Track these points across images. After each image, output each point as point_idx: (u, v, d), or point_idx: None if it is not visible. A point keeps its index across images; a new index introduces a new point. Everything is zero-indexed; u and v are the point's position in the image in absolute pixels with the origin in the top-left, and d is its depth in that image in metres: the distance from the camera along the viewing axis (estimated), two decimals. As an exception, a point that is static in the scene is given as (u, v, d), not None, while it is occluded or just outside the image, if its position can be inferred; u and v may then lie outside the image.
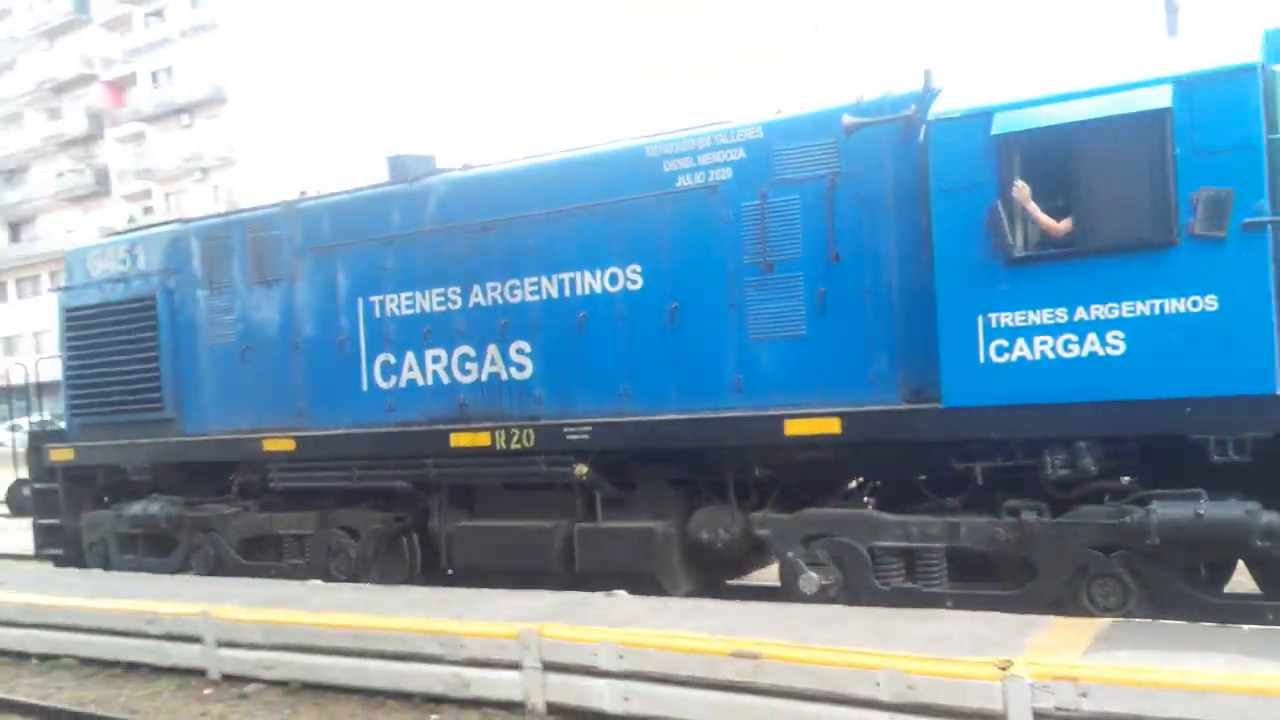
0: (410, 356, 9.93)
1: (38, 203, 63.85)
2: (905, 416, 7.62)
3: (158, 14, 58.92)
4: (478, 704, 7.33)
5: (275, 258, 10.81)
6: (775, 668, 6.22)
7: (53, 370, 13.07)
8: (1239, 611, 6.74)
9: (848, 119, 7.72)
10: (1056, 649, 5.92)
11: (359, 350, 10.25)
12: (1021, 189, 6.97)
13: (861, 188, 7.89)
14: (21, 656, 9.91)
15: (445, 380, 9.75)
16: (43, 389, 14.62)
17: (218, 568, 11.29)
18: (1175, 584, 6.90)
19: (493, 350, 9.49)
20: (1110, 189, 6.81)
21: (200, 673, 8.74)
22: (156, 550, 11.91)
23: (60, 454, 12.44)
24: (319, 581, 9.97)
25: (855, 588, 7.81)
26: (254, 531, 11.18)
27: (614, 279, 8.92)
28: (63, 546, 12.65)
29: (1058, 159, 6.96)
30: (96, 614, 9.50)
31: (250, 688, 8.34)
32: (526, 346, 9.33)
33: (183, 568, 11.67)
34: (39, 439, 13.13)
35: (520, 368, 9.38)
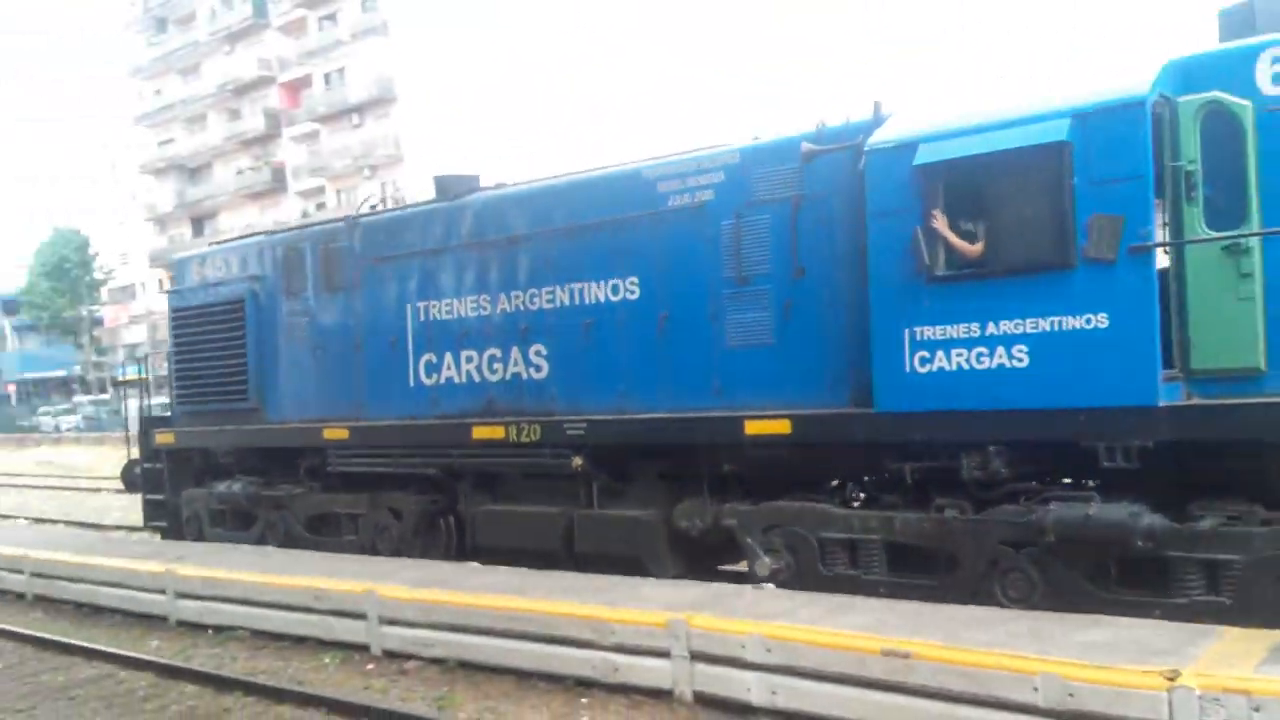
0: (449, 356, 11.02)
1: (219, 199, 67.54)
2: (844, 420, 8.35)
3: (331, 17, 61.49)
4: (626, 690, 7.44)
5: (340, 267, 12.04)
6: (927, 668, 6.11)
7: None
8: (1131, 607, 7.04)
9: (806, 146, 8.51)
10: (1228, 660, 5.64)
11: (407, 350, 11.37)
12: (939, 217, 7.59)
13: (821, 209, 8.54)
14: (198, 627, 10.51)
15: (477, 378, 10.79)
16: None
17: (288, 541, 12.57)
18: (1074, 579, 7.39)
19: (515, 352, 10.49)
20: (1016, 215, 7.41)
21: (363, 648, 9.09)
22: (241, 524, 13.31)
23: (164, 438, 14.04)
24: (476, 564, 10.26)
25: (804, 573, 8.59)
26: (317, 510, 12.45)
27: (615, 289, 9.79)
28: (166, 519, 14.24)
29: (971, 186, 7.58)
30: (269, 589, 9.99)
31: (410, 664, 8.65)
32: (543, 349, 10.29)
33: (260, 540, 12.91)
34: (149, 424, 14.60)
35: (538, 368, 10.34)
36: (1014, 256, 7.42)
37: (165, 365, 14.85)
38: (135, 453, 14.80)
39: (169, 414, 14.51)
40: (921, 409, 7.79)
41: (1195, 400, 7.08)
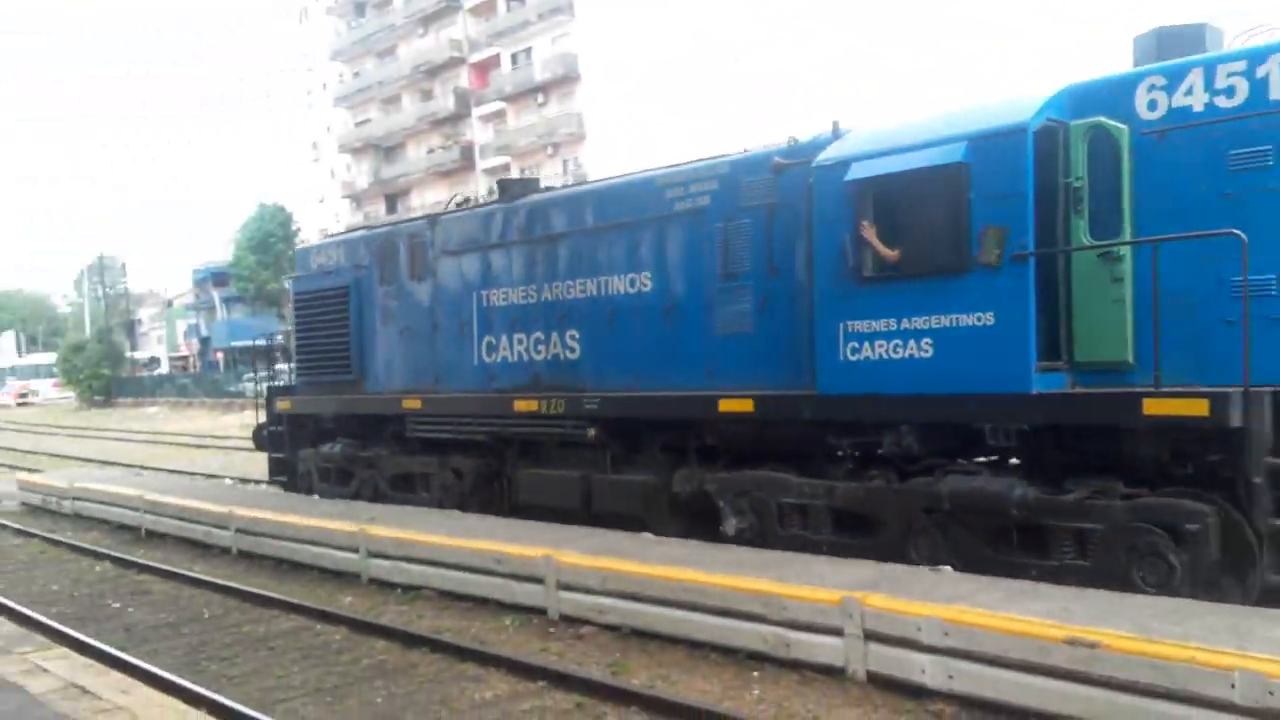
0: (504, 338, 12.60)
1: (411, 177, 70.15)
2: (792, 400, 9.57)
3: (519, -3, 62.82)
4: (797, 665, 7.41)
5: (423, 259, 13.72)
6: (1114, 659, 5.85)
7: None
8: (1013, 568, 8.10)
9: (777, 160, 9.78)
10: None
11: (472, 332, 12.99)
12: (867, 226, 8.72)
13: (791, 216, 9.65)
14: (388, 586, 11.00)
15: (526, 358, 12.35)
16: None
17: (376, 496, 14.40)
18: (972, 542, 8.53)
19: (555, 336, 12.00)
20: (925, 225, 8.49)
21: (541, 612, 9.34)
22: (342, 481, 15.21)
23: (283, 404, 16.27)
24: (650, 535, 10.40)
25: (766, 532, 9.90)
26: (399, 470, 14.31)
27: (632, 283, 11.19)
28: (286, 475, 16.33)
29: (891, 200, 8.70)
30: (454, 551, 10.37)
31: (585, 630, 8.84)
32: (576, 334, 11.76)
33: (356, 495, 14.72)
34: (273, 391, 16.86)
35: (572, 350, 11.81)
36: (922, 261, 8.53)
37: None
38: (264, 417, 16.85)
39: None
40: (852, 392, 8.98)
41: (1078, 389, 8.13)
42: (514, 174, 62.48)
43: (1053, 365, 8.14)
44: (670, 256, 10.82)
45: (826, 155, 9.16)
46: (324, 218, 77.78)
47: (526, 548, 9.76)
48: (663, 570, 8.50)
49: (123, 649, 8.79)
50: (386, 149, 73.09)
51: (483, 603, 9.95)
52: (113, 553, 13.85)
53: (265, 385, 17.43)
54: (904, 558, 8.69)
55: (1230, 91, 7.66)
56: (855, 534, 9.32)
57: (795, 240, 9.63)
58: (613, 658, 8.16)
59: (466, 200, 14.22)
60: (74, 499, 17.52)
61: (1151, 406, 7.50)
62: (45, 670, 7.21)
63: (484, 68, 64.90)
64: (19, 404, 71.64)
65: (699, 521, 10.66)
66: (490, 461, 13.05)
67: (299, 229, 74.41)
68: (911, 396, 8.59)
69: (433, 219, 13.88)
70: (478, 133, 65.53)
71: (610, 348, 11.43)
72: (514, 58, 63.01)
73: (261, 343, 20.20)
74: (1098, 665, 5.91)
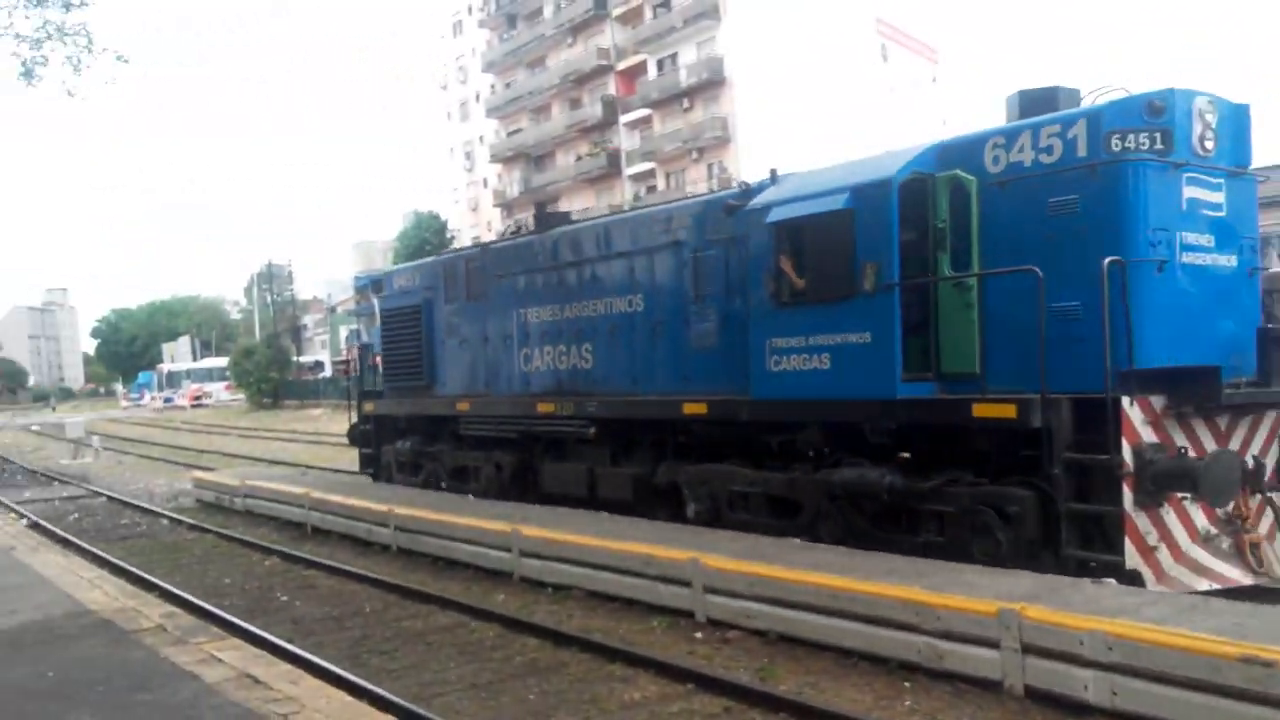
0: (538, 350, 14.58)
1: (560, 184, 71.41)
2: (734, 404, 11.34)
3: (665, 4, 63.23)
4: (950, 677, 7.24)
5: (478, 282, 15.78)
6: (1295, 680, 5.52)
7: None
8: (890, 543, 9.77)
9: (728, 203, 11.59)
10: None
11: (514, 344, 15.02)
12: (784, 260, 10.45)
13: (742, 249, 11.23)
14: (539, 585, 11.21)
15: (553, 367, 14.30)
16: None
17: (440, 486, 16.75)
18: (860, 522, 10.26)
19: (574, 348, 13.93)
20: (823, 259, 10.13)
21: (688, 614, 9.37)
22: (413, 472, 17.51)
23: (369, 406, 18.82)
24: (799, 541, 10.31)
25: (719, 516, 11.73)
26: (456, 463, 16.48)
27: (630, 303, 13.03)
28: (374, 467, 18.65)
29: (800, 238, 10.38)
30: (603, 552, 10.51)
31: (732, 634, 8.83)
32: (590, 347, 13.69)
33: (425, 484, 17.05)
34: (362, 395, 19.28)
35: (586, 360, 13.74)
36: (822, 289, 10.17)
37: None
38: (355, 418, 19.46)
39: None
40: (775, 397, 10.73)
41: (943, 395, 9.62)
42: (659, 180, 62.97)
43: (922, 376, 9.73)
44: (658, 281, 12.70)
45: (757, 201, 11.07)
46: (477, 225, 79.90)
47: (674, 550, 9.81)
48: (811, 576, 8.42)
49: (290, 641, 9.20)
50: (536, 157, 74.57)
51: (630, 604, 10.04)
52: (281, 548, 14.53)
53: (358, 390, 19.79)
54: (816, 536, 10.47)
55: (1049, 150, 9.18)
56: (783, 517, 11.10)
57: (746, 269, 11.17)
58: (760, 663, 8.12)
59: (518, 228, 16.71)
60: (245, 496, 18.43)
61: (978, 410, 9.15)
62: (219, 660, 7.58)
63: (631, 75, 65.56)
64: (193, 406, 75.68)
65: (683, 508, 12.32)
66: (523, 456, 15.06)
67: (454, 236, 76.64)
68: (816, 401, 10.39)
69: (484, 247, 16.79)
70: (624, 139, 66.21)
71: (614, 358, 13.34)
72: (660, 64, 63.49)
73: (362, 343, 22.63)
74: (1275, 685, 5.59)
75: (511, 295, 15.06)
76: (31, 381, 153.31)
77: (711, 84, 59.20)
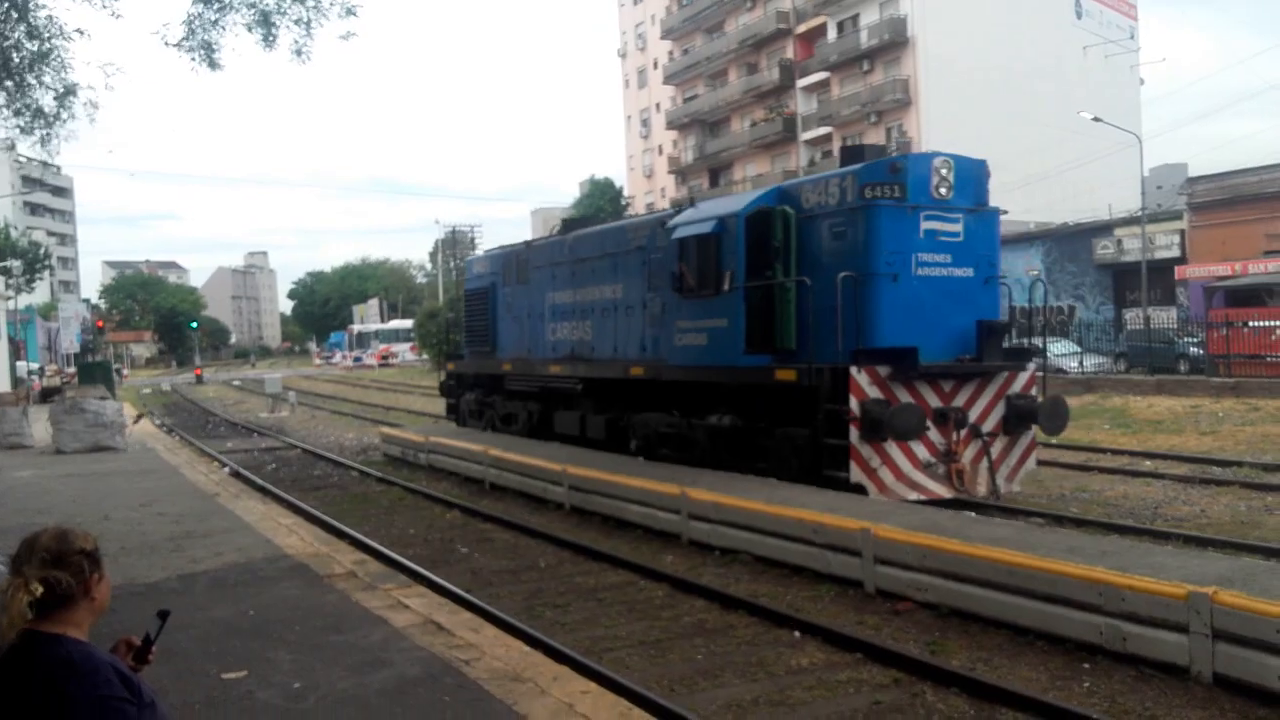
0: (559, 325, 18.73)
1: (734, 150, 70.98)
2: (658, 367, 15.23)
3: (847, -35, 61.72)
4: (1134, 660, 6.97)
5: (524, 271, 20.19)
6: None
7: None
8: (747, 469, 13.65)
9: (664, 221, 15.46)
10: None
11: (544, 320, 19.30)
12: (682, 265, 14.31)
13: (668, 255, 14.95)
14: (706, 548, 11.35)
15: (567, 338, 18.43)
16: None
17: (493, 427, 21.37)
18: (724, 454, 14.06)
19: (581, 324, 17.94)
20: (702, 266, 14.05)
21: (857, 584, 9.32)
22: (478, 418, 22.31)
23: (450, 366, 24.62)
24: (974, 515, 10.09)
25: (651, 451, 15.59)
26: (503, 410, 21.15)
27: (614, 291, 16.86)
28: (455, 414, 23.94)
29: (691, 250, 14.25)
30: (771, 518, 10.54)
31: (901, 605, 8.72)
32: (590, 324, 17.63)
33: (485, 427, 21.60)
34: (449, 357, 25.47)
35: (588, 334, 17.70)
36: (701, 288, 14.09)
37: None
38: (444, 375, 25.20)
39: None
40: (677, 364, 14.79)
41: (766, 365, 13.18)
42: (835, 145, 61.85)
43: (763, 350, 13.37)
44: (629, 276, 16.40)
45: (673, 221, 15.06)
46: (652, 192, 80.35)
47: (844, 519, 9.74)
48: (988, 551, 8.22)
49: (469, 591, 9.59)
50: (711, 124, 74.28)
51: (798, 571, 10.04)
52: (461, 502, 15.14)
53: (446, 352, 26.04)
54: (705, 464, 14.15)
55: (833, 195, 13.09)
56: (686, 450, 14.89)
57: (666, 270, 15.01)
58: (931, 636, 8.01)
59: (557, 228, 21.04)
60: (428, 452, 19.24)
61: (778, 375, 13.05)
62: (406, 606, 7.98)
63: (809, 38, 64.37)
64: (381, 365, 79.17)
65: (654, 450, 15.78)
66: (545, 405, 19.37)
67: (629, 202, 77.35)
68: (697, 367, 14.42)
69: (529, 244, 21.07)
70: (800, 104, 65.25)
71: (603, 333, 17.18)
72: (840, 26, 62.07)
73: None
74: None
75: (544, 282, 19.33)
76: (233, 339, 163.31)
77: (893, 45, 57.61)
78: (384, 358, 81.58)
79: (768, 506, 10.76)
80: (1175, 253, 41.97)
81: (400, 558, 11.06)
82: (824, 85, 63.53)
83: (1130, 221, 43.18)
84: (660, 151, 79.85)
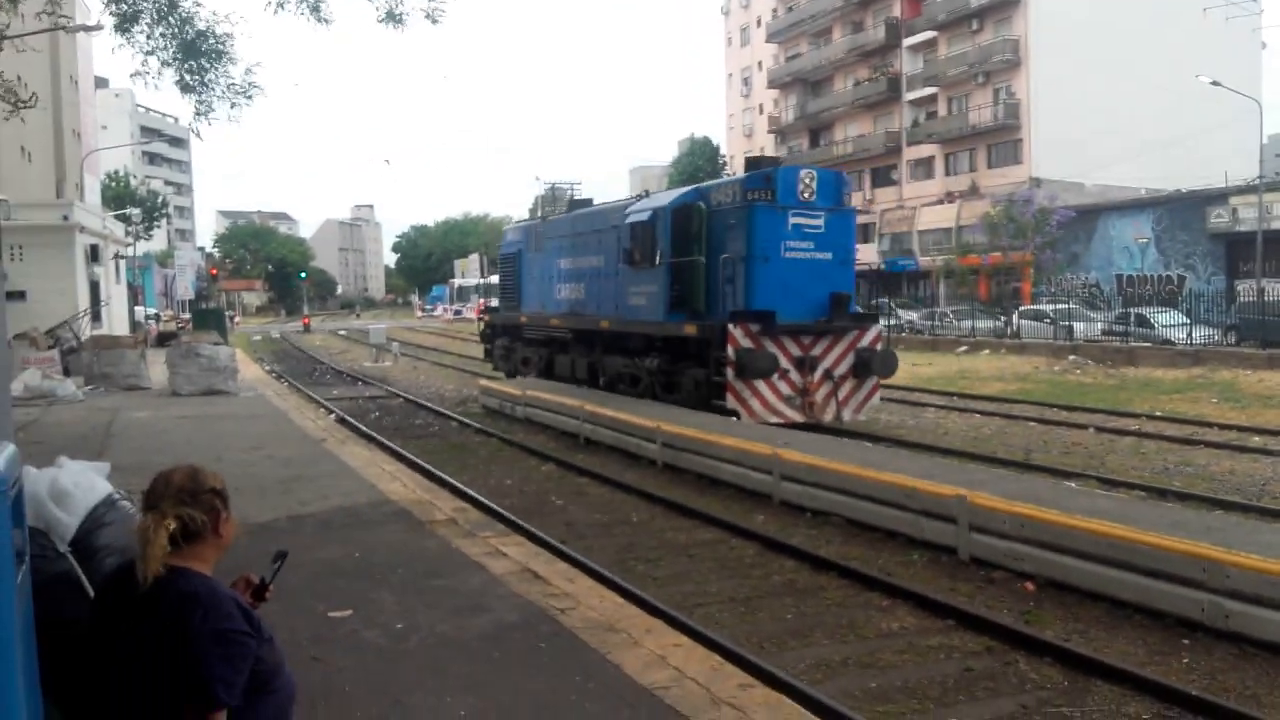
0: (564, 286, 23.01)
1: (836, 110, 69.94)
2: (618, 321, 19.76)
3: (956, -80, 59.95)
4: (1236, 638, 6.84)
5: (542, 240, 24.58)
6: None
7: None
8: (668, 400, 18.07)
9: (627, 206, 20.36)
10: None
11: (552, 281, 23.71)
12: (631, 242, 18.81)
13: (627, 233, 19.47)
14: (798, 509, 11.37)
15: (570, 297, 22.63)
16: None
17: (516, 370, 25.95)
18: (660, 390, 18.35)
19: (578, 286, 22.12)
20: (642, 245, 18.56)
21: (950, 551, 9.26)
22: (505, 361, 27.01)
23: (487, 317, 29.48)
24: (1074, 485, 9.94)
25: (613, 386, 20.10)
26: (522, 355, 25.65)
27: (597, 261, 21.11)
28: (489, 357, 28.77)
29: (635, 232, 18.84)
30: (864, 482, 10.52)
31: (996, 574, 8.66)
32: (583, 286, 21.86)
33: (510, 372, 26.26)
34: (487, 310, 30.78)
35: (582, 294, 21.93)
36: (642, 262, 18.64)
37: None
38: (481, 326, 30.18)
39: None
40: (628, 318, 19.33)
41: (685, 324, 17.64)
42: (940, 106, 60.50)
43: (681, 310, 17.66)
44: (609, 248, 20.51)
45: (629, 208, 19.77)
46: (751, 151, 79.60)
47: (939, 485, 9.68)
48: (1087, 522, 8.10)
49: (564, 542, 9.79)
50: (813, 83, 73.21)
51: (890, 535, 10.02)
52: (557, 456, 15.39)
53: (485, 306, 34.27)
54: (653, 396, 18.47)
55: (728, 196, 17.68)
56: (635, 386, 19.35)
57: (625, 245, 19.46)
58: (1025, 606, 7.95)
59: (565, 207, 25.62)
60: (525, 405, 19.56)
61: (685, 329, 17.41)
62: (504, 554, 8.18)
63: (919, -5, 62.88)
64: (480, 318, 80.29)
65: (622, 388, 20.02)
66: (550, 351, 23.84)
67: (727, 161, 76.78)
68: (639, 322, 18.97)
69: (544, 217, 25.80)
70: (906, 63, 63.86)
71: (591, 293, 21.57)
72: (949, -18, 60.44)
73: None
74: None
75: (554, 250, 23.74)
76: (339, 290, 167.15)
77: (1004, 3, 55.95)
78: (483, 311, 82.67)
79: (861, 470, 10.73)
80: (1294, 223, 40.28)
81: (498, 507, 11.29)
82: (930, 44, 62.09)
83: (1247, 190, 41.55)
84: (760, 111, 79.01)
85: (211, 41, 16.67)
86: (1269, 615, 6.65)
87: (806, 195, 17.18)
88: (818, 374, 17.06)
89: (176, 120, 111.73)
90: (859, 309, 19.58)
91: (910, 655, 6.99)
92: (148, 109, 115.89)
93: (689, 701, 5.10)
